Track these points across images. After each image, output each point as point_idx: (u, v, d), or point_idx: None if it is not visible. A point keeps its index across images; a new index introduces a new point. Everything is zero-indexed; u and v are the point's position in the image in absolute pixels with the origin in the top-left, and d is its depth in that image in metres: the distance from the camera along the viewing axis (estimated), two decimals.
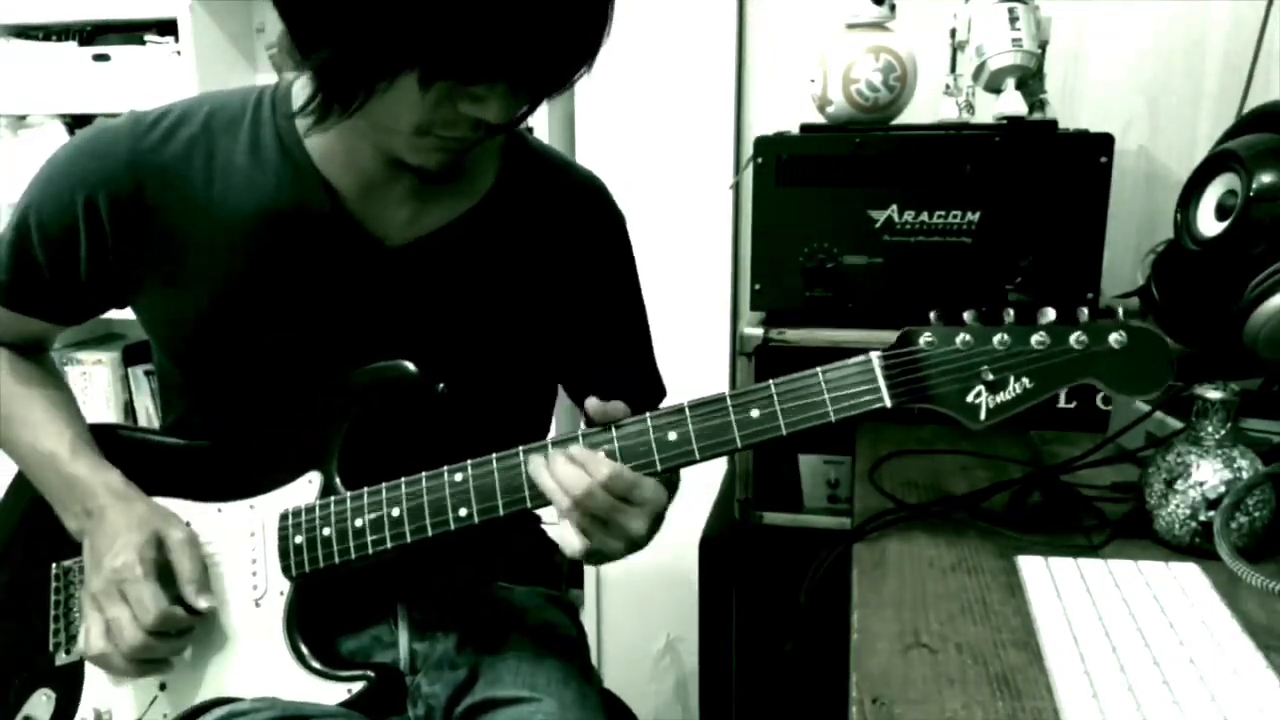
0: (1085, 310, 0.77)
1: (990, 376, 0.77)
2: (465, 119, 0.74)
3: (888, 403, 0.78)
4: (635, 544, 0.79)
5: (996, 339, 0.77)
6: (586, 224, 0.97)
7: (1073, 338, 0.77)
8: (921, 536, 0.91)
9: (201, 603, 0.84)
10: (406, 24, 0.66)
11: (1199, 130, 1.54)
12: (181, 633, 0.84)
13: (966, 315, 0.79)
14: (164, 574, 0.84)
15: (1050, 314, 0.78)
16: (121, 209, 0.85)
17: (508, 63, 0.70)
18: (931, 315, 0.79)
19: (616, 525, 0.78)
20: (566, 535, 0.78)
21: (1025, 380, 0.77)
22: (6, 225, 0.90)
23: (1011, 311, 0.78)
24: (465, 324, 0.91)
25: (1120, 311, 0.78)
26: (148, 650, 0.82)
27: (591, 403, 0.81)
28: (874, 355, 0.79)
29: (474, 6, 0.66)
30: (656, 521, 0.81)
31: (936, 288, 1.26)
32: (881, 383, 0.78)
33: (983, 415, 0.78)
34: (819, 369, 0.79)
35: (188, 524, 0.88)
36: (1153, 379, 0.78)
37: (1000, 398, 0.78)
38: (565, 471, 0.77)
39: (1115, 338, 0.77)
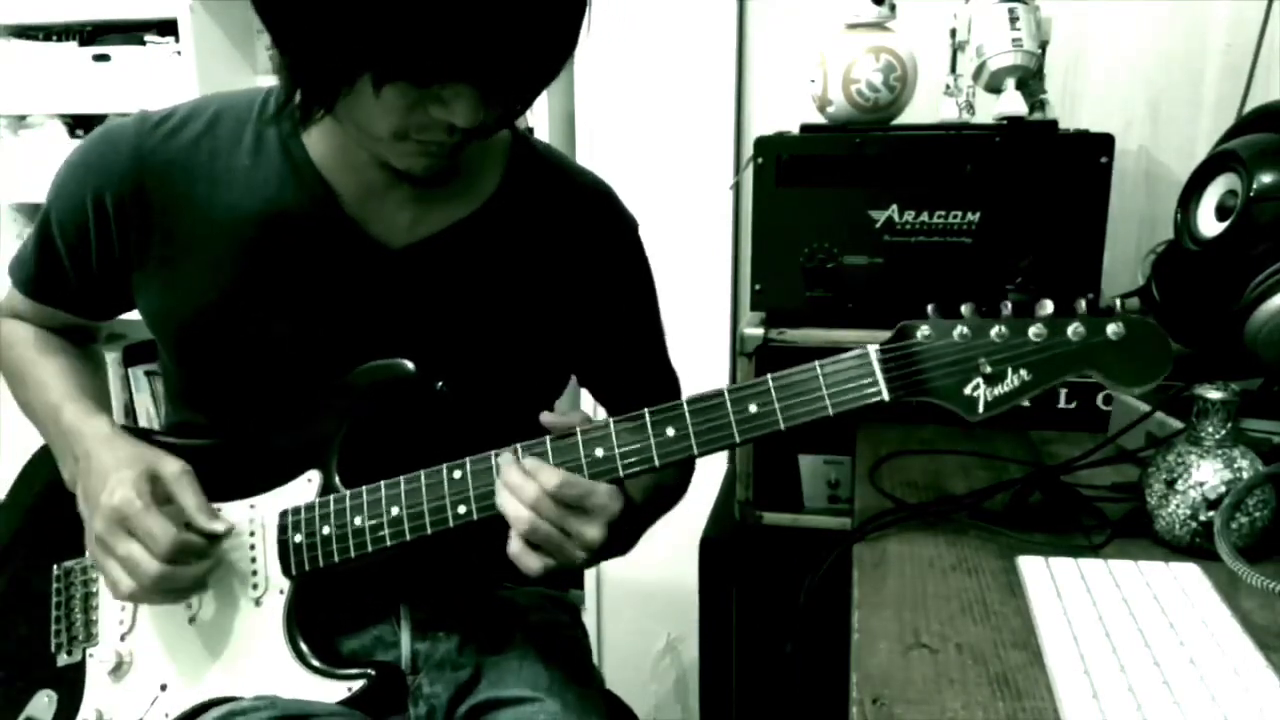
0: (1084, 302, 0.77)
1: (988, 369, 0.77)
2: (438, 123, 0.74)
3: (885, 396, 0.78)
4: (596, 551, 0.79)
5: (994, 331, 0.77)
6: (592, 230, 0.97)
7: (1070, 329, 0.77)
8: (921, 536, 0.91)
9: (217, 526, 0.84)
10: (355, 27, 0.66)
11: (1199, 130, 1.54)
12: (200, 557, 0.84)
13: (964, 308, 0.78)
14: (166, 509, 0.84)
15: (1048, 306, 0.77)
16: (125, 206, 0.86)
17: (462, 63, 0.69)
18: (929, 308, 0.79)
19: (574, 534, 0.78)
20: (523, 555, 0.78)
21: (1023, 372, 0.77)
22: (35, 222, 0.93)
23: (1009, 304, 0.78)
24: (465, 327, 0.91)
25: (1119, 303, 0.78)
26: (169, 580, 0.81)
27: (545, 416, 0.81)
28: (871, 349, 0.78)
29: (422, 7, 0.65)
30: (619, 528, 0.80)
31: (937, 288, 1.26)
32: (879, 376, 0.78)
33: (981, 408, 0.77)
34: (816, 363, 0.79)
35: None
36: (1152, 370, 0.77)
37: (998, 390, 0.77)
38: (516, 480, 0.78)
39: (1113, 329, 0.77)
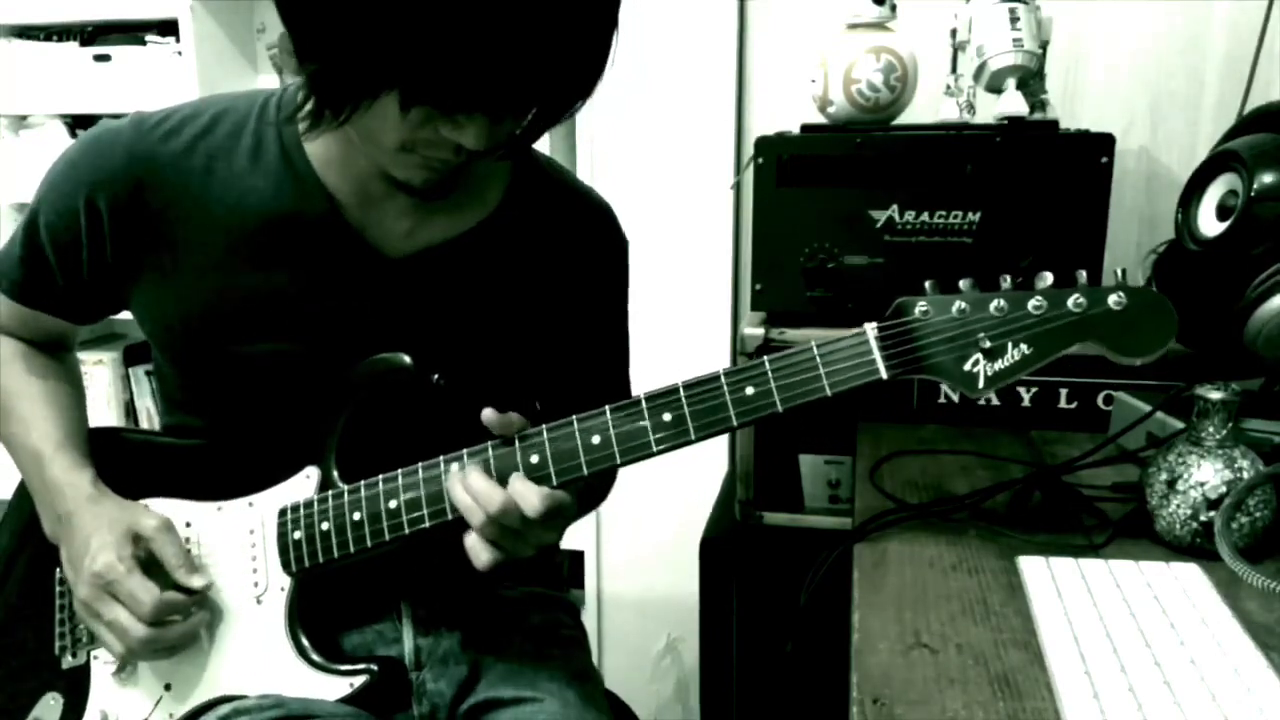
0: (1084, 273, 0.76)
1: (988, 344, 0.76)
2: (446, 142, 0.74)
3: (884, 374, 0.77)
4: (542, 548, 0.82)
5: (993, 305, 0.76)
6: (590, 249, 0.98)
7: (1070, 300, 0.76)
8: (922, 537, 0.91)
9: (196, 581, 0.85)
10: (389, 49, 0.67)
11: (1200, 130, 1.54)
12: (187, 615, 0.85)
13: (963, 283, 0.78)
14: (151, 566, 0.85)
15: (1048, 278, 0.76)
16: (120, 208, 0.85)
17: (486, 97, 0.70)
18: (927, 284, 0.78)
19: (533, 539, 0.80)
20: (478, 548, 0.79)
21: (1024, 346, 0.76)
22: (20, 223, 0.91)
23: (1008, 277, 0.77)
24: (460, 336, 0.91)
25: (1119, 273, 0.77)
26: (156, 641, 0.83)
27: (488, 414, 0.80)
28: (869, 328, 0.78)
29: (455, 40, 0.66)
30: (566, 525, 0.85)
31: None
32: (877, 355, 0.77)
33: (981, 383, 0.77)
34: (813, 343, 0.78)
35: (184, 523, 0.88)
36: (1155, 340, 0.76)
37: (999, 365, 0.76)
38: (480, 488, 0.78)
39: (1114, 299, 0.75)
